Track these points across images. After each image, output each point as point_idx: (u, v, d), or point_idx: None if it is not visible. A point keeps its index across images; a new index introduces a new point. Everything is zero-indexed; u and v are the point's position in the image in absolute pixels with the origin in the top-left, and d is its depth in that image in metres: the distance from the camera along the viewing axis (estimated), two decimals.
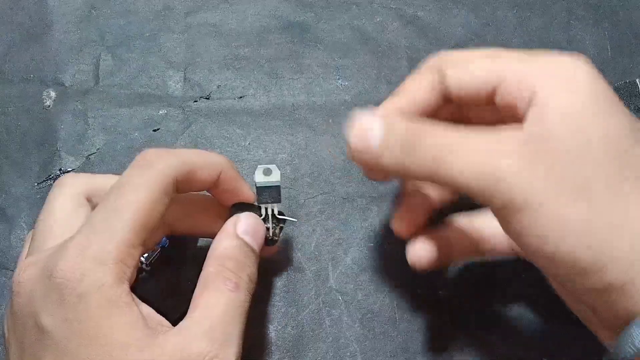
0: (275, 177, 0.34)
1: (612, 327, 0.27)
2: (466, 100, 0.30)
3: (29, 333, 0.28)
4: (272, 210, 0.35)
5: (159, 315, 0.30)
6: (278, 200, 0.35)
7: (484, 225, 0.35)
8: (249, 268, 0.32)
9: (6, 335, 0.31)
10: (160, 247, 0.35)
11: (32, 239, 0.32)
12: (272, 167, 0.34)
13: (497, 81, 0.28)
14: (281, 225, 0.36)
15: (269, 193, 0.34)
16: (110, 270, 0.28)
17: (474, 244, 0.35)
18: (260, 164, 0.34)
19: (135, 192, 0.29)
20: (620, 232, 0.25)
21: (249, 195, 0.35)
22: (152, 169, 0.30)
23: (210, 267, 0.31)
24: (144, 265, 0.35)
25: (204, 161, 0.32)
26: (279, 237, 0.36)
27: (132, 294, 0.29)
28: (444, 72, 0.30)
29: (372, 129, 0.29)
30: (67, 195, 0.33)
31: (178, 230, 0.34)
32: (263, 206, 0.35)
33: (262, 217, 0.35)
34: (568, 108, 0.26)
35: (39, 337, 0.28)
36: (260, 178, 0.34)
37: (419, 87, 0.31)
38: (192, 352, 0.28)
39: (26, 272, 0.29)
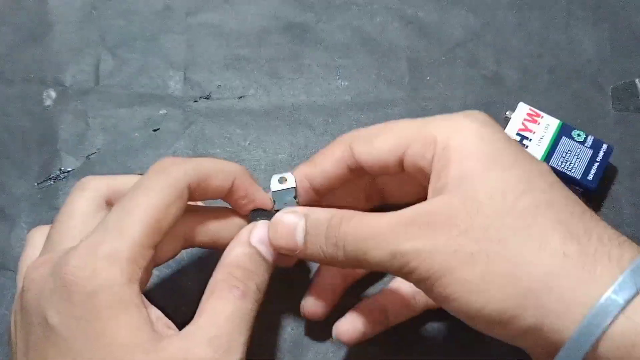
0: (290, 184, 0.34)
1: None
2: (377, 171, 0.33)
3: (36, 330, 0.28)
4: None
5: (167, 318, 0.30)
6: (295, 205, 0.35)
7: (387, 301, 0.36)
8: (258, 277, 0.32)
9: (12, 332, 0.31)
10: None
11: (47, 238, 0.33)
12: (287, 175, 0.34)
13: (403, 149, 0.31)
14: None
15: (286, 199, 0.34)
16: (122, 269, 0.28)
17: (408, 303, 0.36)
18: (275, 174, 0.34)
19: (148, 195, 0.30)
20: (520, 280, 0.27)
21: (265, 201, 0.34)
22: (165, 174, 0.31)
23: (218, 274, 0.31)
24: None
25: (217, 168, 0.32)
26: None
27: (142, 295, 0.29)
28: (352, 147, 0.33)
29: (296, 227, 0.31)
30: (88, 198, 0.33)
31: (195, 242, 0.34)
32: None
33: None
34: (459, 173, 0.29)
35: (46, 334, 0.28)
36: (275, 186, 0.34)
37: (329, 159, 0.34)
38: (195, 358, 0.28)
39: (38, 269, 0.29)
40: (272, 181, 0.34)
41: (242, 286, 0.31)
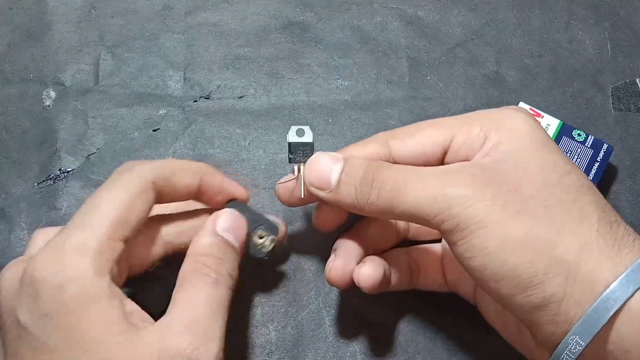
0: (308, 138, 0.33)
1: (549, 346, 0.29)
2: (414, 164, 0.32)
3: (9, 330, 0.28)
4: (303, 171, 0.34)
5: (142, 311, 0.30)
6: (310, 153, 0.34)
7: (419, 258, 0.37)
8: (228, 264, 0.32)
9: None
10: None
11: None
12: (306, 128, 0.34)
13: (448, 141, 0.32)
14: (272, 236, 0.35)
15: (302, 151, 0.33)
16: (90, 261, 0.28)
17: (409, 274, 0.36)
18: (294, 125, 0.34)
19: (112, 190, 0.30)
20: (555, 248, 0.28)
21: (240, 191, 0.35)
22: (129, 172, 0.31)
23: (188, 265, 0.32)
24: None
25: (181, 167, 0.33)
26: (269, 249, 0.35)
27: (115, 287, 0.29)
28: (390, 143, 0.33)
29: (331, 168, 0.32)
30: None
31: (176, 247, 0.34)
32: (295, 166, 0.34)
33: (294, 178, 0.34)
34: (510, 148, 0.30)
35: (19, 333, 0.28)
36: (293, 138, 0.33)
37: (363, 152, 0.33)
38: (173, 347, 0.28)
39: (11, 269, 0.30)
40: (289, 132, 0.33)
41: (214, 274, 0.31)
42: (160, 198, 0.32)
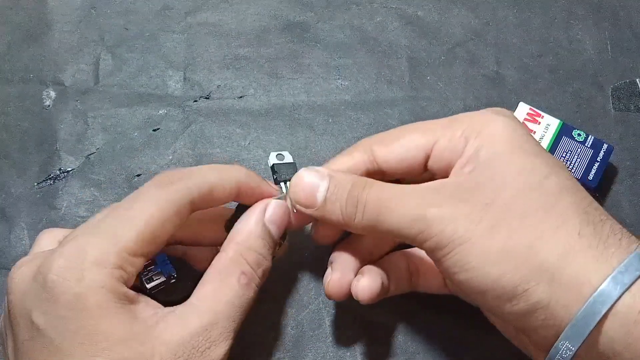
0: (288, 160, 0.35)
1: (545, 348, 0.29)
2: (399, 172, 0.33)
3: (23, 331, 0.28)
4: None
5: (160, 306, 0.30)
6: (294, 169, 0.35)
7: (418, 261, 0.36)
8: (267, 263, 0.33)
9: (3, 333, 0.31)
10: (167, 276, 0.34)
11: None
12: (285, 153, 0.35)
13: (430, 145, 0.32)
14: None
15: (286, 170, 0.35)
16: (110, 273, 0.28)
17: (408, 277, 0.36)
18: (272, 151, 0.35)
19: (149, 205, 0.30)
20: (536, 255, 0.28)
21: (274, 195, 0.35)
22: (169, 188, 0.31)
23: (230, 252, 0.32)
24: (147, 291, 0.34)
25: (219, 181, 0.32)
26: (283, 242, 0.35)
27: (130, 290, 0.29)
28: (374, 149, 0.33)
29: (317, 186, 0.32)
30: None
31: (177, 239, 0.34)
32: (282, 184, 0.34)
33: (282, 196, 0.34)
34: (489, 155, 0.30)
35: (33, 335, 0.28)
36: (274, 160, 0.35)
37: (347, 163, 0.33)
38: (187, 345, 0.28)
39: (20, 269, 0.29)
40: (270, 157, 0.35)
41: (249, 273, 0.31)
42: (195, 209, 0.32)
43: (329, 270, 0.35)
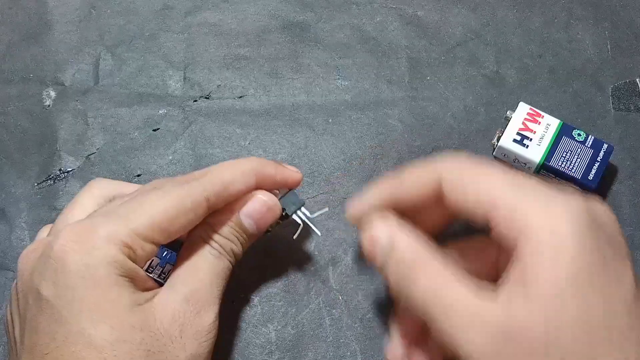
0: (282, 191, 0.36)
1: None
2: (463, 217, 0.30)
3: (31, 307, 0.29)
4: (305, 214, 0.36)
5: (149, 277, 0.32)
6: (302, 202, 0.36)
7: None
8: (235, 247, 0.34)
9: (8, 317, 0.32)
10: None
11: (52, 228, 0.34)
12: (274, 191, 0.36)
13: (490, 208, 0.28)
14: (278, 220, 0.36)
15: (291, 201, 0.36)
16: (119, 249, 0.29)
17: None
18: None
19: (166, 196, 0.31)
20: None
21: (294, 178, 0.36)
22: (184, 185, 0.32)
23: (201, 230, 0.33)
24: (156, 277, 0.36)
25: (233, 175, 0.33)
26: (273, 228, 0.36)
27: (137, 266, 0.30)
28: (443, 184, 0.30)
29: (379, 238, 0.31)
30: (92, 196, 0.35)
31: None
32: (296, 216, 0.36)
33: (301, 228, 0.36)
34: (545, 290, 0.25)
35: (41, 307, 0.29)
36: (277, 196, 0.36)
37: (416, 184, 0.32)
38: (176, 314, 0.31)
39: (30, 252, 0.31)
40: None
41: (217, 248, 0.33)
42: (214, 207, 0.33)
43: (387, 339, 0.34)
